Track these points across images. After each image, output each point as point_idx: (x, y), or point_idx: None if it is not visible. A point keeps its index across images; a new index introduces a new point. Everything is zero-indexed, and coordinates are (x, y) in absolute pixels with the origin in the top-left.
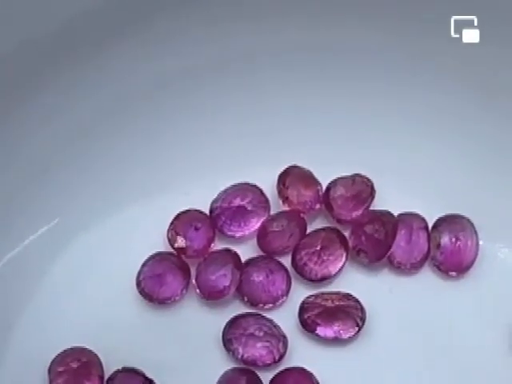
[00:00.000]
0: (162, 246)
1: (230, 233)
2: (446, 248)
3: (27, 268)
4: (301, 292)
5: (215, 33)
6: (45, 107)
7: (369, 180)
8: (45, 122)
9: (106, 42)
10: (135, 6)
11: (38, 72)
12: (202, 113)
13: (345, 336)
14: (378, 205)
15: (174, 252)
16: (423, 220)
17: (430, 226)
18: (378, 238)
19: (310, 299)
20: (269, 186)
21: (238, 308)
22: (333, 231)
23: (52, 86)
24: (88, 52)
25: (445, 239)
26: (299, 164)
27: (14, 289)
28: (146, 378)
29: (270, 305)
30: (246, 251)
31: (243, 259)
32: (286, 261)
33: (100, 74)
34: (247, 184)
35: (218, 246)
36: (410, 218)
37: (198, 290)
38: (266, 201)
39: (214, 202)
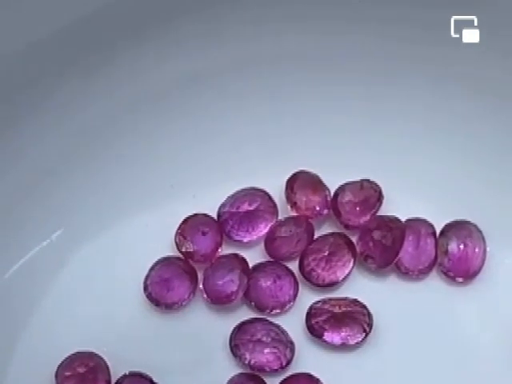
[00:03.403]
0: (170, 250)
1: (237, 238)
2: (453, 254)
3: (36, 273)
4: (308, 297)
5: (223, 37)
6: (50, 113)
7: (377, 185)
8: (49, 129)
9: (115, 46)
10: (144, 11)
11: (43, 77)
12: (209, 118)
13: (352, 342)
14: (385, 210)
15: (182, 256)
16: (431, 226)
17: (438, 232)
18: (386, 244)
19: (318, 305)
20: (277, 191)
21: (245, 313)
22: (340, 237)
23: (57, 92)
24: (94, 56)
25: (452, 245)
26: (307, 169)
27: (22, 294)
28: (153, 383)
29: (278, 310)
30: (254, 256)
31: (251, 264)
32: (294, 266)
33: (107, 79)
34: (255, 189)
35: (225, 250)
36: (417, 224)
37: (205, 295)
38: (274, 206)
39: (222, 206)
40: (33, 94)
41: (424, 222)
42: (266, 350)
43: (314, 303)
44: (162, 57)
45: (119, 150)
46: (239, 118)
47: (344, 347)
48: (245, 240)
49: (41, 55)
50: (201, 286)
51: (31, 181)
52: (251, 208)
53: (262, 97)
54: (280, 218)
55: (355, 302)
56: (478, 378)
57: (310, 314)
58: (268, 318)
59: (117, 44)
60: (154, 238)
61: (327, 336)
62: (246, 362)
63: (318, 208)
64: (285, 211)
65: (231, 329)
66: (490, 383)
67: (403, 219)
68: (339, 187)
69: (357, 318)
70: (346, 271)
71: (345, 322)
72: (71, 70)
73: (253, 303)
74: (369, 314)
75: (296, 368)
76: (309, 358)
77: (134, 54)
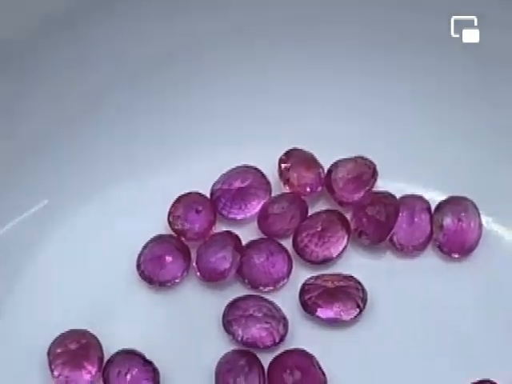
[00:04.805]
0: (163, 228)
1: (230, 215)
2: (448, 229)
3: (23, 245)
4: (302, 274)
5: (215, 13)
6: (42, 85)
7: (371, 162)
8: (43, 100)
9: (107, 20)
10: None
11: (37, 49)
12: (202, 96)
13: (346, 317)
14: (380, 187)
15: (175, 234)
16: (426, 202)
17: (433, 208)
18: (380, 220)
19: (311, 281)
20: (270, 168)
21: (238, 290)
22: (334, 213)
23: (51, 63)
24: (87, 28)
25: (447, 220)
26: (301, 146)
27: (8, 267)
28: (146, 360)
29: (271, 287)
30: (247, 234)
31: (244, 242)
32: (287, 243)
33: (102, 51)
34: (248, 166)
35: (219, 228)
36: (412, 200)
37: (198, 273)
38: (267, 183)
39: (215, 184)
40: (20, 70)
41: (419, 198)
42: (258, 325)
43: (308, 279)
44: (155, 32)
45: (113, 127)
46: (232, 96)
47: (338, 323)
48: (238, 217)
49: (31, 28)
50: (194, 264)
51: (22, 152)
52: (244, 185)
53: (255, 75)
54: (273, 195)
55: (349, 277)
56: (473, 354)
57: (304, 290)
58: (262, 295)
59: (108, 18)
60: (147, 217)
61: (321, 312)
62: (239, 339)
63: (311, 185)
64: (278, 188)
65: (224, 306)
66: (484, 359)
67: (398, 196)
68: (333, 164)
69: (350, 292)
70: (340, 247)
71: (338, 296)
72: (62, 44)
73: (246, 280)
74: (362, 289)
75: (290, 344)
76: (302, 334)
77: (125, 28)
